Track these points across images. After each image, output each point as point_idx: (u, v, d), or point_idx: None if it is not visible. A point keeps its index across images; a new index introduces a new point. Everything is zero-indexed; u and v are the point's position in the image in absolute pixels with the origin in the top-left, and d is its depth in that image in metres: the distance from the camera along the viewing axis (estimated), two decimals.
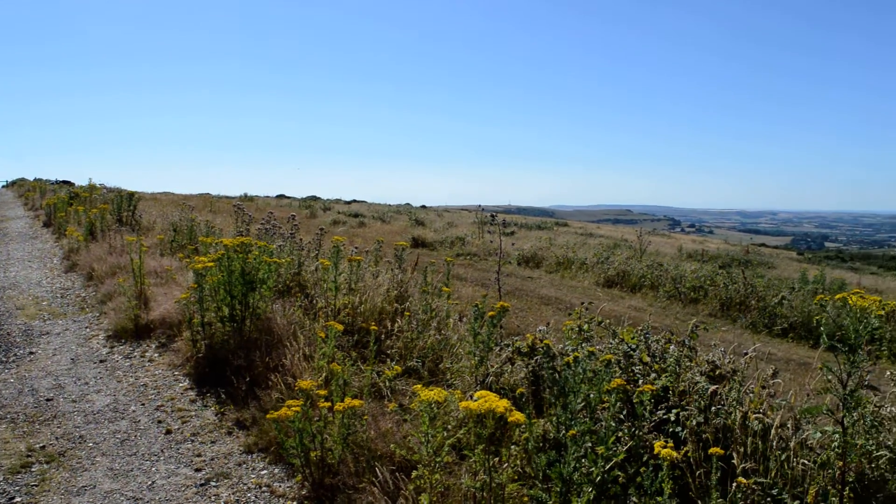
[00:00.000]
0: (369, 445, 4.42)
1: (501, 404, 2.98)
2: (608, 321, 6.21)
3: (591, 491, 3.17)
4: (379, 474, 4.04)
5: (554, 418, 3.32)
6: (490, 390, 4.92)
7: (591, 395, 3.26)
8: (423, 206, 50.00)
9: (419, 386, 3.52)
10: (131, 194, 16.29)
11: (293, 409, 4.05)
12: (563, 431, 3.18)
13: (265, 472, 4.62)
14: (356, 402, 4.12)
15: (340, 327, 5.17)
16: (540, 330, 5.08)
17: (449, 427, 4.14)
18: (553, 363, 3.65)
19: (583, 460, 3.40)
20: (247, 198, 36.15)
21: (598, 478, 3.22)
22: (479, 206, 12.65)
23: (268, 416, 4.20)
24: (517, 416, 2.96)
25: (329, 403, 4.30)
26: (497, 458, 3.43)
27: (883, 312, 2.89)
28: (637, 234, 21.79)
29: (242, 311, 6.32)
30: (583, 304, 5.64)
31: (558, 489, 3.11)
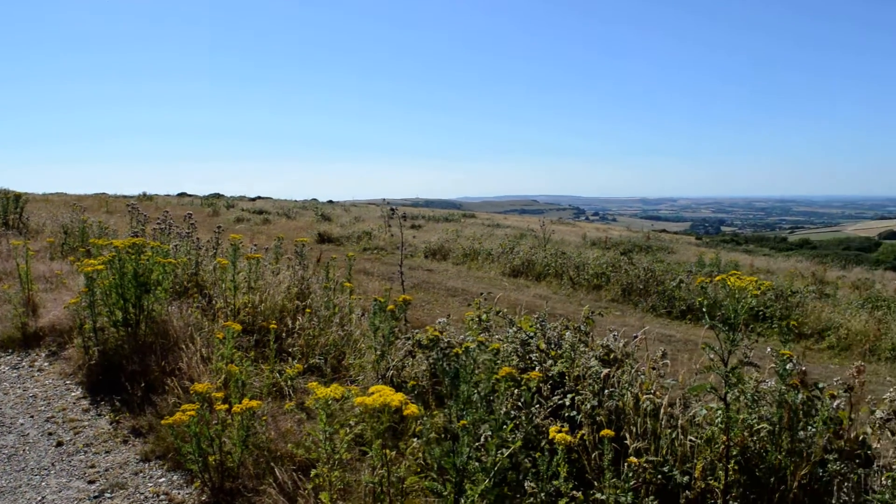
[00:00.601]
0: (269, 446, 4.34)
1: (397, 398, 2.97)
2: (512, 310, 6.28)
3: (486, 480, 3.19)
4: (278, 475, 3.98)
5: (447, 410, 3.34)
6: (391, 384, 4.92)
7: (482, 385, 3.29)
8: (331, 202, 49.48)
9: (315, 384, 3.48)
10: (18, 196, 15.51)
11: (188, 413, 3.94)
12: (457, 422, 3.21)
13: (163, 479, 4.48)
14: (254, 403, 4.04)
15: (238, 327, 5.06)
16: (439, 322, 5.11)
17: (351, 423, 4.11)
18: (446, 354, 3.66)
19: (482, 449, 3.43)
20: (146, 197, 34.94)
21: (495, 466, 3.25)
22: (384, 199, 12.58)
23: (163, 421, 4.08)
24: (412, 408, 2.96)
25: (227, 406, 4.20)
26: (395, 452, 3.43)
27: (758, 292, 3.02)
28: (540, 223, 22.20)
29: (137, 314, 6.11)
30: (482, 294, 5.69)
31: (453, 480, 3.12)
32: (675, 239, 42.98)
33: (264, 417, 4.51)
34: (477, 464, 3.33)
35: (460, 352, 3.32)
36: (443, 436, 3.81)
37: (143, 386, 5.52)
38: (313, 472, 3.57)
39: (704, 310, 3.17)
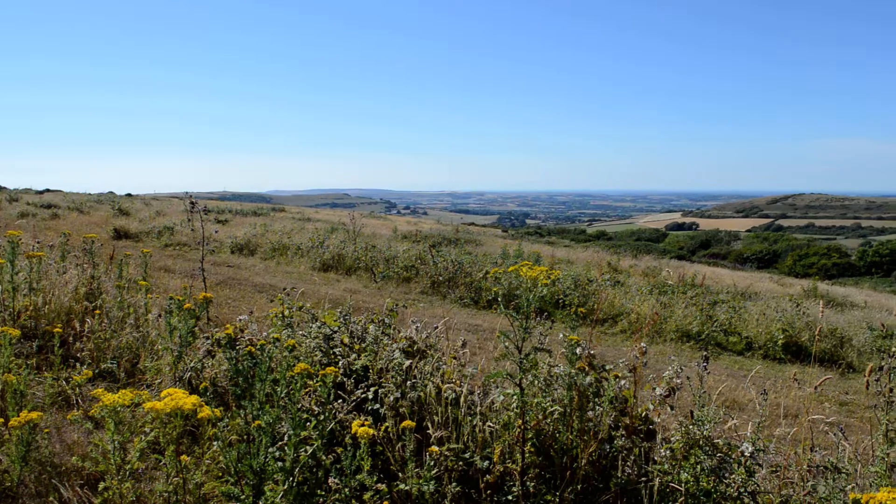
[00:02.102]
0: (53, 461, 4.01)
1: (190, 401, 2.83)
2: (322, 304, 6.20)
3: (287, 480, 3.13)
4: (63, 492, 3.68)
5: (242, 410, 3.24)
6: (189, 386, 4.70)
7: (280, 383, 3.22)
8: (129, 195, 46.57)
9: (101, 390, 3.24)
10: None
11: None
12: (252, 422, 3.11)
13: None
14: (35, 415, 3.71)
15: (17, 332, 4.62)
16: (240, 319, 4.95)
17: (146, 431, 3.88)
18: (239, 352, 3.54)
19: (286, 449, 3.35)
20: None
21: (296, 465, 3.19)
22: (187, 193, 11.94)
23: None
24: (206, 411, 2.83)
25: (3, 419, 3.83)
26: (193, 458, 3.27)
27: (548, 281, 3.16)
28: (350, 217, 22.12)
29: None
30: (284, 289, 5.58)
31: (252, 482, 3.03)
32: (483, 231, 44.47)
33: (47, 430, 4.16)
34: (279, 464, 3.25)
35: (254, 350, 3.22)
36: (244, 437, 3.69)
37: None
38: (102, 485, 3.33)
39: (500, 300, 3.28)
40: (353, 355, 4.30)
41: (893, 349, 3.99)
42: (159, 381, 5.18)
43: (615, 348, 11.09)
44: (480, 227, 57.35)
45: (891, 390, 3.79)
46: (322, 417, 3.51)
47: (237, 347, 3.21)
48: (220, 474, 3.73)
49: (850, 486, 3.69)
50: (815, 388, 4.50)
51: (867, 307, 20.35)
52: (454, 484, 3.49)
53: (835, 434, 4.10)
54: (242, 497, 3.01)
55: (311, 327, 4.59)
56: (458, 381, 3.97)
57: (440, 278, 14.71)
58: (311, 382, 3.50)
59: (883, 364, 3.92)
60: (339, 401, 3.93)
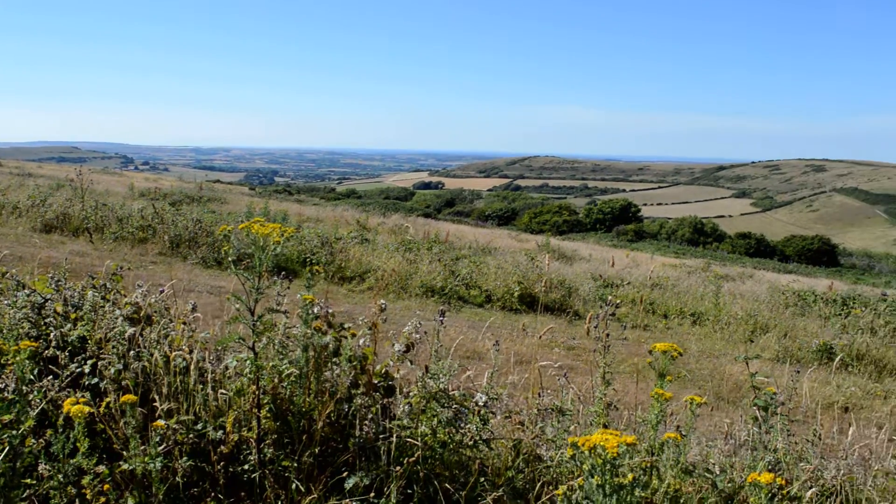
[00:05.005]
0: None
1: None
2: (46, 269, 5.57)
3: None
4: None
5: None
6: None
7: None
8: None
9: None
10: None
11: None
12: None
13: None
14: None
15: None
16: None
17: None
18: None
19: None
20: None
21: None
22: None
23: None
24: None
25: None
26: None
27: (281, 239, 3.02)
28: (77, 172, 20.25)
29: None
30: None
31: None
32: (229, 189, 42.98)
33: None
34: None
35: None
36: None
37: None
38: None
39: (230, 259, 3.09)
40: (69, 325, 3.87)
41: (609, 297, 4.32)
42: None
43: (362, 305, 11.17)
44: (227, 184, 55.40)
45: (608, 335, 4.10)
46: (31, 397, 3.12)
47: None
48: None
49: (573, 426, 3.97)
50: (540, 336, 4.79)
51: (592, 260, 22.39)
52: (185, 458, 3.27)
53: (560, 378, 4.39)
54: None
55: (16, 296, 4.07)
56: (188, 348, 3.72)
57: (180, 238, 13.92)
58: (13, 359, 3.08)
59: (601, 311, 4.25)
60: (52, 377, 3.52)
